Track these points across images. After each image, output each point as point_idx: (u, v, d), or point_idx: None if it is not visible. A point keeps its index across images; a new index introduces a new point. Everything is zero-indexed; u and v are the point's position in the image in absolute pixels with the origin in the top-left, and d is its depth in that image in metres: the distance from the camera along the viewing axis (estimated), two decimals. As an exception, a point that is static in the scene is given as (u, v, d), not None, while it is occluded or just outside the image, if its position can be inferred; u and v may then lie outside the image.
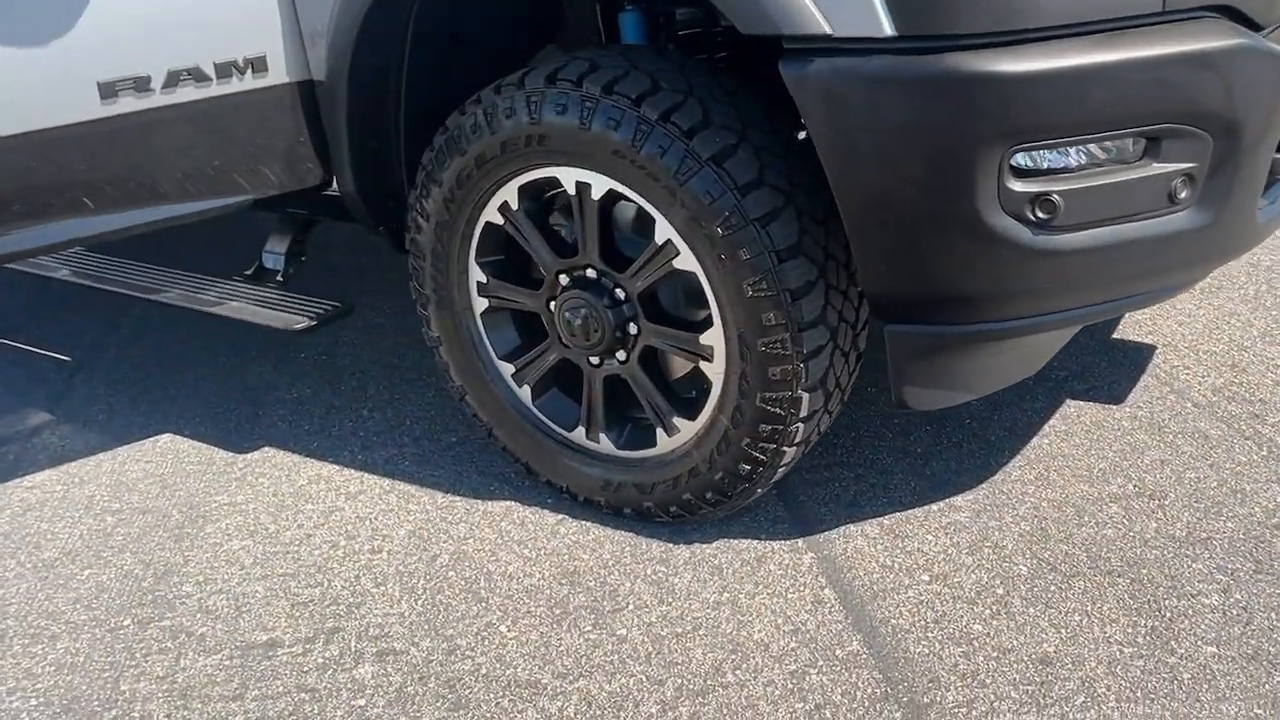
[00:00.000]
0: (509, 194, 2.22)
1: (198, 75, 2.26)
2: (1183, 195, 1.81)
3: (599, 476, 2.35)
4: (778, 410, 2.05)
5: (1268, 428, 2.55)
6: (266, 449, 2.83)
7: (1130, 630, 1.96)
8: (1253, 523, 2.22)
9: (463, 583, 2.24)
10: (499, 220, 2.27)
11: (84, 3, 2.13)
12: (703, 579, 2.19)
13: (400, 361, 3.24)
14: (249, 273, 2.88)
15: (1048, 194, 1.75)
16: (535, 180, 2.18)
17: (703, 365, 2.14)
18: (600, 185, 2.08)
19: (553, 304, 2.28)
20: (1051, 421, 2.64)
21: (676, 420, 2.22)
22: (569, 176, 2.12)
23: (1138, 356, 2.90)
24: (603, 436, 2.34)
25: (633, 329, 2.20)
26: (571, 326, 2.23)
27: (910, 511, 2.35)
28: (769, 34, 1.76)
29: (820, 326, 2.00)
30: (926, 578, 2.14)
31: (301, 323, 2.57)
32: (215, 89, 2.30)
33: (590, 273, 2.21)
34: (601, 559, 2.28)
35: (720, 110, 1.98)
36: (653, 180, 1.98)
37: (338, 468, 2.72)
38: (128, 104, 2.23)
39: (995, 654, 1.93)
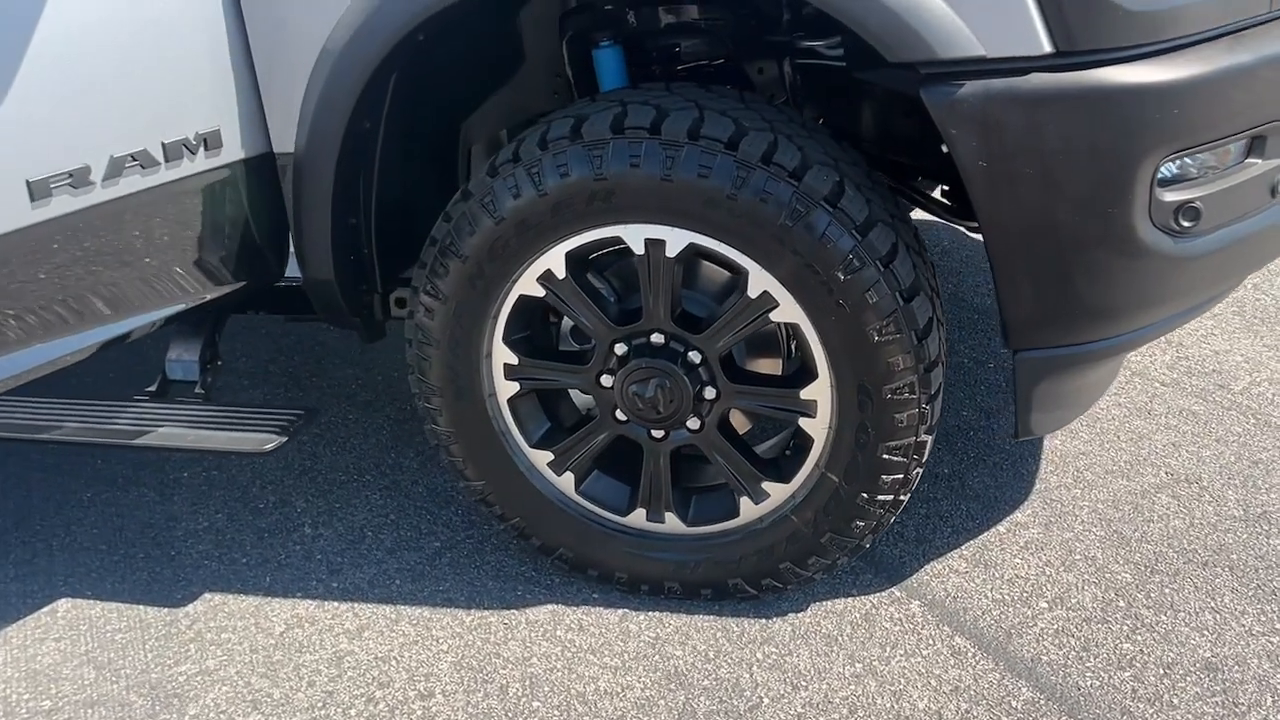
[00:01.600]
0: (553, 261, 1.94)
1: (145, 160, 1.82)
2: (1275, 190, 1.84)
3: (669, 560, 2.11)
4: (901, 459, 1.91)
5: (1238, 395, 2.70)
6: (208, 596, 2.35)
7: (1265, 619, 1.98)
8: (1288, 490, 2.33)
9: (558, 714, 1.94)
10: (537, 292, 1.98)
11: (4, 85, 1.65)
12: (823, 653, 2.01)
13: (314, 464, 2.80)
14: (152, 389, 2.38)
15: (1191, 202, 1.72)
16: (589, 243, 1.92)
17: (802, 422, 1.96)
18: (678, 240, 1.86)
19: (606, 378, 2.02)
20: (1050, 421, 2.66)
21: (766, 485, 2.03)
22: (636, 234, 1.88)
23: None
24: (668, 516, 2.11)
25: (709, 393, 1.99)
26: (639, 400, 1.98)
27: (982, 537, 2.28)
28: (921, 60, 1.62)
29: (940, 365, 1.89)
30: (1044, 604, 2.08)
31: (271, 441, 2.14)
32: (164, 174, 1.87)
33: (657, 338, 1.97)
34: (699, 651, 2.05)
35: (813, 147, 1.82)
36: (755, 228, 1.78)
37: (315, 603, 2.30)
38: (63, 204, 1.76)
39: (1162, 671, 1.89)
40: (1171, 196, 1.71)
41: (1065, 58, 1.61)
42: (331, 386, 3.18)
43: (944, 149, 1.70)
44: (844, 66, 2.16)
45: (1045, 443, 2.57)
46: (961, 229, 2.36)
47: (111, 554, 2.50)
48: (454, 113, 2.26)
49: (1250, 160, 1.79)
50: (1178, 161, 1.70)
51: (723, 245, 1.84)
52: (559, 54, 2.25)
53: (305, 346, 3.46)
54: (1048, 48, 1.60)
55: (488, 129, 2.40)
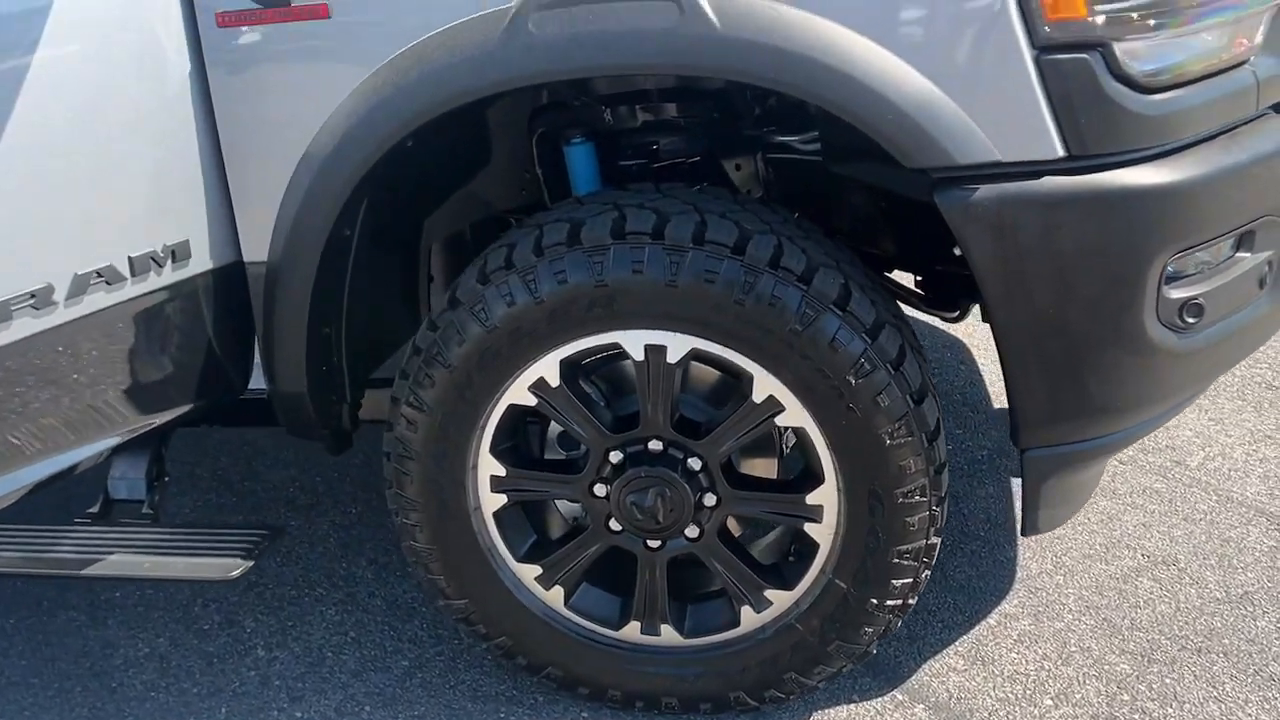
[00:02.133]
0: (546, 369, 1.86)
1: (111, 276, 1.69)
2: (1266, 281, 1.87)
3: (665, 674, 2.02)
4: (912, 562, 1.86)
5: (1195, 471, 2.74)
6: (159, 734, 2.17)
7: (1270, 705, 1.98)
8: (1262, 569, 2.35)
9: None
10: (529, 401, 1.89)
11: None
12: (834, 765, 1.94)
13: (259, 577, 2.63)
14: (94, 511, 2.20)
15: (1195, 298, 1.73)
16: (584, 349, 1.84)
17: (807, 527, 1.91)
18: (680, 346, 1.80)
19: (600, 487, 1.93)
20: (1020, 504, 2.66)
21: (769, 593, 1.96)
22: (636, 340, 1.81)
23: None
24: (665, 628, 2.02)
25: (710, 500, 1.91)
26: (638, 509, 1.90)
27: (974, 632, 2.24)
28: (938, 165, 1.60)
29: (947, 466, 1.86)
30: (1049, 702, 2.05)
31: (236, 566, 1.99)
32: (129, 289, 1.73)
33: (655, 445, 1.90)
34: (705, 771, 1.95)
35: (814, 248, 1.79)
36: (763, 333, 1.73)
37: (279, 735, 2.14)
38: (24, 326, 1.62)
39: (1179, 768, 1.87)
40: (1177, 294, 1.72)
41: (1077, 161, 1.61)
42: (267, 491, 3.01)
43: (955, 251, 1.69)
44: (819, 161, 2.15)
45: (1017, 527, 2.56)
46: (935, 320, 2.36)
47: (45, 688, 2.29)
48: (418, 210, 2.17)
49: (1240, 254, 1.82)
50: (1180, 259, 1.71)
51: (727, 350, 1.78)
52: (528, 150, 2.18)
53: (232, 447, 3.28)
54: (1060, 151, 1.60)
55: (451, 225, 2.31)
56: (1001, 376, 1.76)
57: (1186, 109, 1.65)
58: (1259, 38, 1.77)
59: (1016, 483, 2.73)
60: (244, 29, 1.70)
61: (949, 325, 3.29)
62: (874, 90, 1.56)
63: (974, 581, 2.39)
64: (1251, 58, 1.77)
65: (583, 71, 1.64)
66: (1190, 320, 1.74)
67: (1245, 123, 1.78)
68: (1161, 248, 1.66)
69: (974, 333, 3.54)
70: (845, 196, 2.28)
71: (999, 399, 3.17)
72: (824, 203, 2.30)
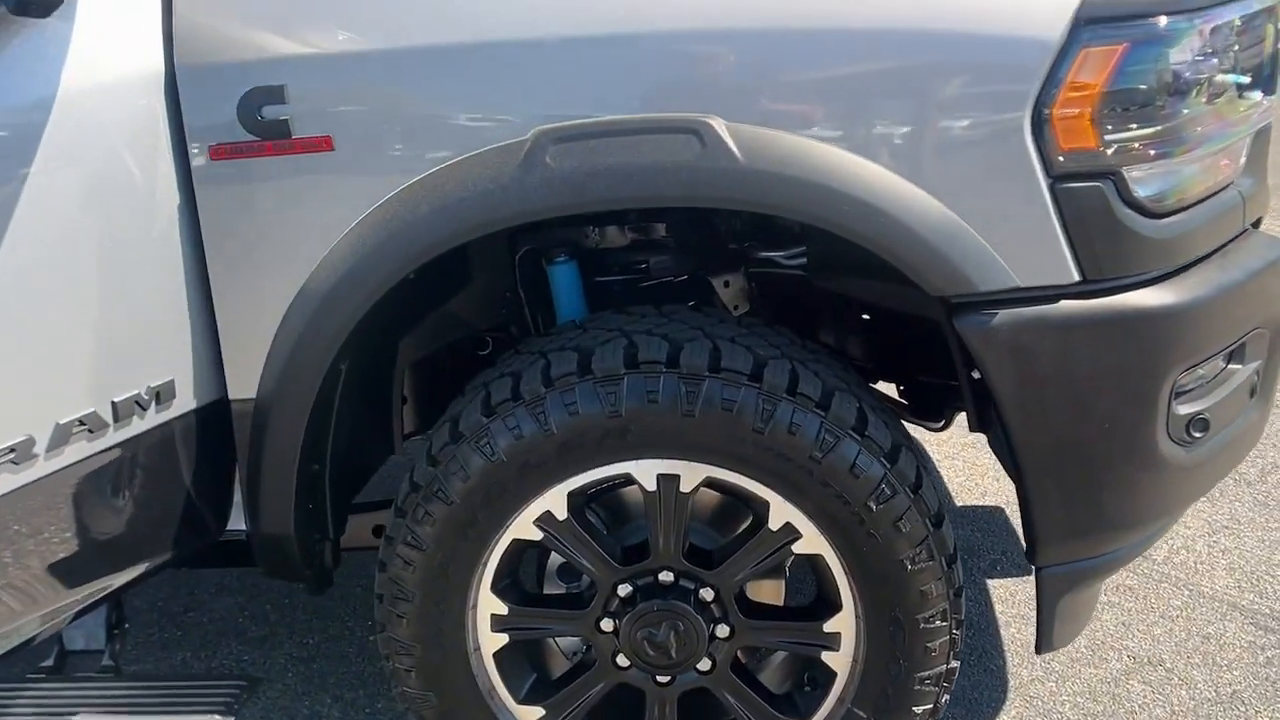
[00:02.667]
0: (553, 502, 1.79)
1: (94, 424, 1.58)
2: (1255, 390, 1.91)
3: (677, 815, 1.93)
4: (933, 688, 1.83)
5: (1163, 565, 2.78)
6: None
7: (1281, 813, 1.98)
8: (1245, 666, 2.38)
9: None
10: (534, 535, 1.82)
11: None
12: None
13: (216, 720, 2.46)
14: (48, 663, 2.04)
15: (1201, 413, 1.76)
16: (593, 481, 1.78)
17: (824, 655, 1.86)
18: (694, 475, 1.75)
19: (607, 622, 1.86)
20: (998, 607, 2.65)
21: (784, 725, 1.90)
22: (649, 470, 1.76)
23: (1001, 520, 3.04)
24: (675, 766, 1.93)
25: (723, 631, 1.86)
26: (649, 644, 1.83)
27: (978, 746, 2.21)
28: (961, 293, 1.61)
29: (964, 589, 1.84)
30: (1065, 819, 2.01)
31: (215, 722, 1.85)
32: (111, 436, 1.62)
33: (666, 576, 1.83)
34: None
35: (826, 371, 1.77)
36: (781, 460, 1.70)
37: None
38: (2, 483, 1.49)
39: None
40: (1184, 409, 1.75)
41: (1091, 284, 1.63)
42: (214, 622, 2.84)
43: (974, 374, 1.69)
44: (803, 275, 2.14)
45: (1003, 631, 2.55)
46: (921, 428, 2.36)
47: None
48: (395, 332, 2.09)
49: (1233, 366, 1.86)
50: (1186, 376, 1.74)
51: (743, 478, 1.74)
52: (510, 270, 2.13)
53: (170, 574, 3.09)
54: (1076, 276, 1.62)
55: (426, 346, 2.23)
56: (1001, 490, 1.75)
57: (1189, 231, 1.69)
58: (1242, 159, 1.83)
59: (995, 583, 2.73)
60: (240, 161, 1.62)
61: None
62: (900, 221, 1.56)
63: (969, 693, 2.36)
64: (1235, 178, 1.83)
65: (602, 205, 1.60)
66: (1197, 435, 1.77)
67: (1233, 239, 1.83)
68: (1173, 365, 1.68)
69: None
70: (826, 309, 2.28)
71: (960, 495, 3.18)
72: (805, 316, 2.30)
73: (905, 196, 1.57)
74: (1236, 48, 1.69)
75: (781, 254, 2.21)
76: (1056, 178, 1.58)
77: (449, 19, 1.58)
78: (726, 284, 2.19)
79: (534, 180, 1.57)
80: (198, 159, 1.63)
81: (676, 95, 1.57)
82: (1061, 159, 1.57)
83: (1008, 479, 2.42)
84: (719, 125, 1.55)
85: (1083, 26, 1.54)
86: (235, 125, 1.61)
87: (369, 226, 1.63)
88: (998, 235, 1.59)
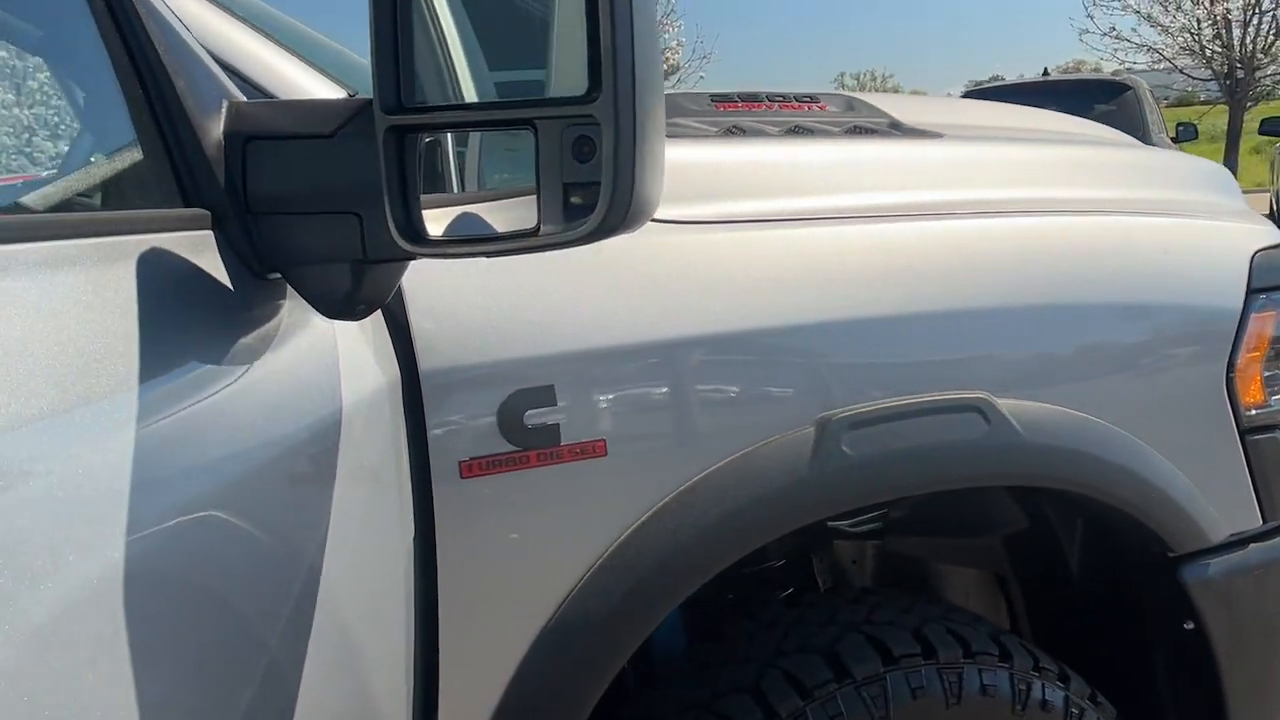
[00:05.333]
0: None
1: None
2: None
3: None
4: None
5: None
6: None
7: None
8: None
9: None
10: None
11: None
12: None
13: None
14: None
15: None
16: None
17: None
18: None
19: None
20: None
21: None
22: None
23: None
24: None
25: None
26: None
27: None
28: (1200, 548, 1.68)
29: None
30: None
31: None
32: None
33: None
34: None
35: (1012, 640, 1.75)
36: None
37: None
38: None
39: None
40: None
41: (1266, 527, 1.76)
42: None
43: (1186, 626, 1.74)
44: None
45: None
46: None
47: None
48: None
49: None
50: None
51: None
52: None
53: None
54: (1259, 521, 1.75)
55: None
56: None
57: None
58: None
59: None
60: (496, 478, 1.35)
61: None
62: (1155, 485, 1.62)
63: None
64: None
65: (899, 491, 1.51)
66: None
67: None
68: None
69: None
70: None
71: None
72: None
73: (1152, 461, 1.63)
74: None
75: (847, 523, 2.17)
76: (1244, 432, 1.72)
77: (716, 307, 1.46)
78: (854, 561, 2.11)
79: (833, 470, 1.45)
80: (444, 477, 1.34)
81: (947, 373, 1.54)
82: (1249, 414, 1.71)
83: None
84: (996, 402, 1.53)
85: (1251, 295, 1.72)
86: (494, 435, 1.35)
87: (648, 540, 1.41)
88: (1212, 490, 1.69)
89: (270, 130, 1.11)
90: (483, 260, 1.28)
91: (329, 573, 1.16)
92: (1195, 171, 2.12)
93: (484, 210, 1.13)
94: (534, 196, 0.98)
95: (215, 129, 1.10)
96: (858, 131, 1.86)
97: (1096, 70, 25.31)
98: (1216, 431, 1.69)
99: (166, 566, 0.87)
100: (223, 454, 0.97)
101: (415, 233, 1.02)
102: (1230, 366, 1.70)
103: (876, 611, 1.69)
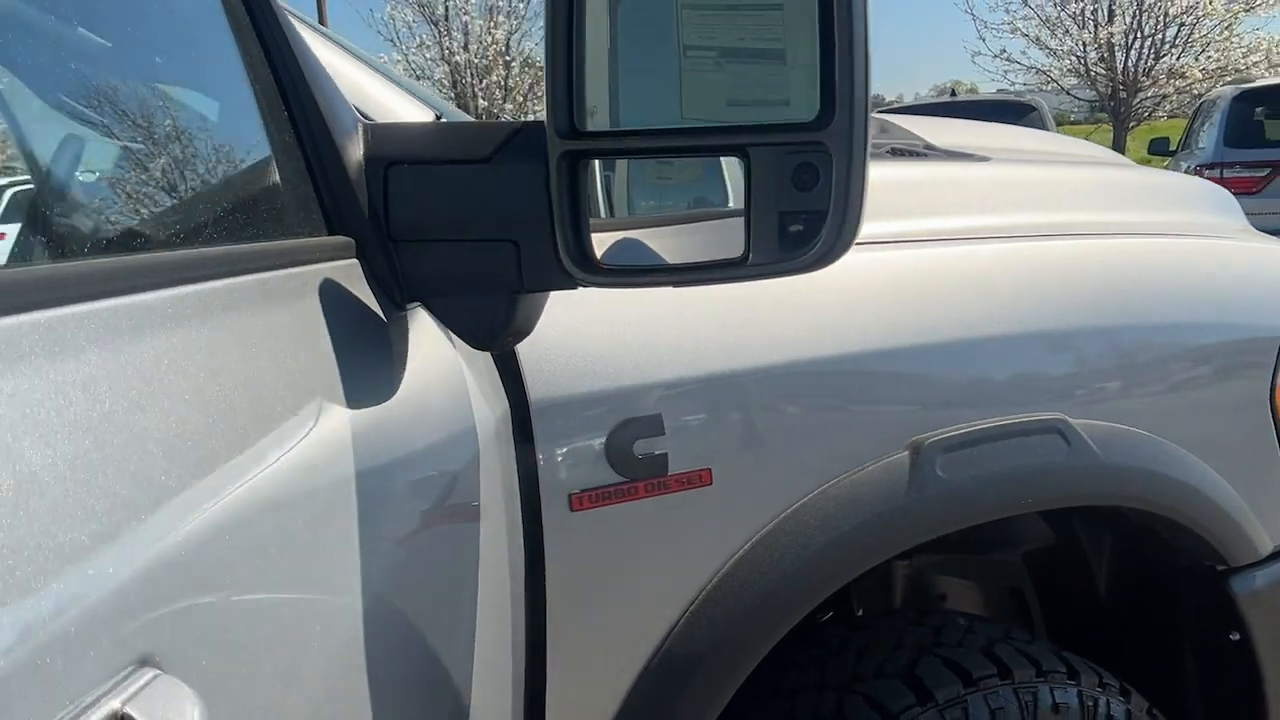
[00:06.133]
0: None
1: None
2: None
3: None
4: None
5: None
6: None
7: None
8: None
9: None
10: None
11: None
12: None
13: None
14: None
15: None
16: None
17: None
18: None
19: None
20: None
21: None
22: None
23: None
24: None
25: None
26: None
27: None
28: (1253, 561, 1.72)
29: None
30: None
31: None
32: None
33: None
34: None
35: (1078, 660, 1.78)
36: (1101, 753, 1.67)
37: None
38: None
39: None
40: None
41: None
42: None
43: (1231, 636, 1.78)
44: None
45: None
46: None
47: None
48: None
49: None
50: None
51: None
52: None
53: None
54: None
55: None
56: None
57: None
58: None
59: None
60: (603, 510, 1.31)
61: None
62: (1215, 502, 1.66)
63: None
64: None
65: (989, 515, 1.51)
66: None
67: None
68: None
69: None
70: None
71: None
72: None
73: (1209, 477, 1.66)
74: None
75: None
76: (1281, 446, 1.77)
77: (818, 331, 1.45)
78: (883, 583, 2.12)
79: (931, 495, 1.45)
80: (554, 510, 1.30)
81: (1025, 396, 1.56)
82: (1279, 427, 1.77)
83: None
84: (1073, 423, 1.55)
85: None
86: (602, 466, 1.31)
87: (752, 570, 1.39)
88: (1259, 505, 1.74)
89: (414, 155, 1.06)
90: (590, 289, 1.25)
91: (452, 604, 1.11)
92: (1203, 193, 2.19)
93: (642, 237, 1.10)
94: (680, 225, 0.96)
95: (356, 153, 1.05)
96: (897, 154, 1.88)
97: (973, 91, 26.09)
98: (1264, 447, 1.74)
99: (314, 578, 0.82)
100: (379, 492, 0.92)
101: (587, 261, 0.98)
102: (1273, 388, 1.75)
103: (943, 633, 1.69)
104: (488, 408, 1.23)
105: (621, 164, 1.25)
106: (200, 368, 0.73)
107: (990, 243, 1.61)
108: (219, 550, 0.66)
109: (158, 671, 0.55)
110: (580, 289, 1.04)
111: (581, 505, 1.31)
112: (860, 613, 2.08)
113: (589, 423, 1.31)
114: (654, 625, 1.38)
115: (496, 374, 1.28)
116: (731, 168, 1.12)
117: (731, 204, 1.13)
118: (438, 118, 1.39)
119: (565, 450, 1.30)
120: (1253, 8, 20.97)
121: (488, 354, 1.27)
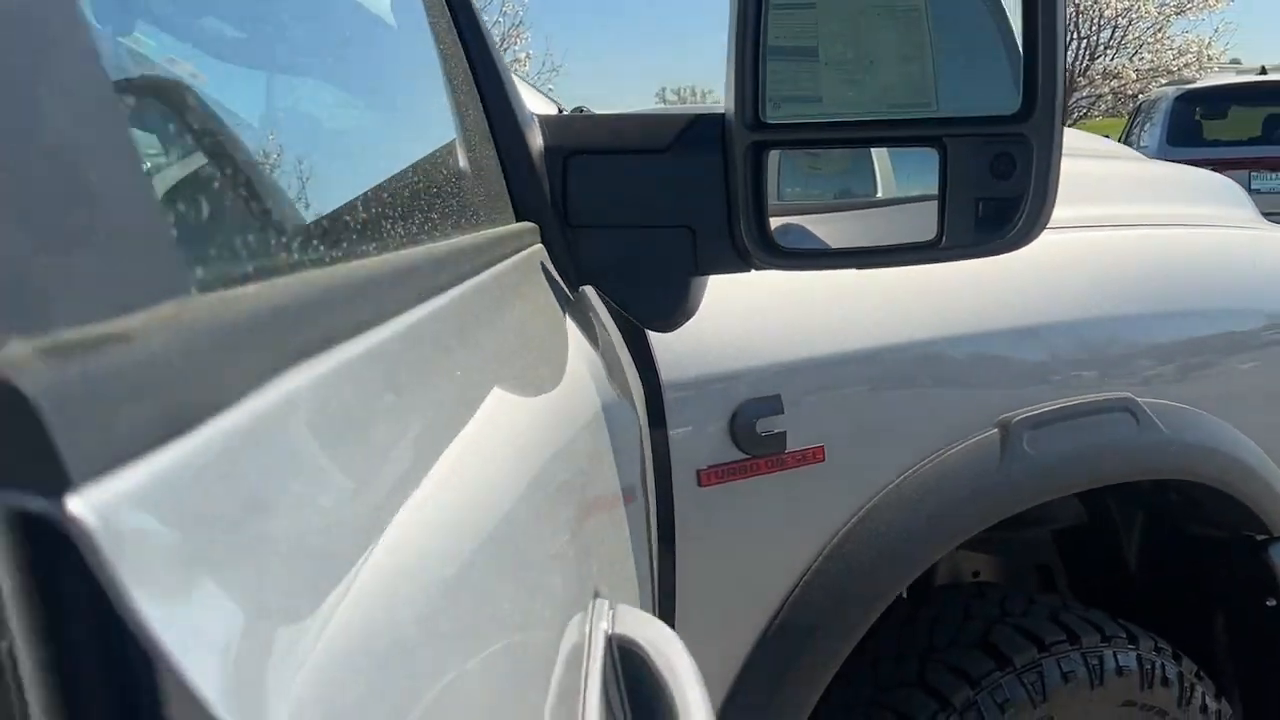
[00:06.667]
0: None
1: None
2: None
3: None
4: None
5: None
6: None
7: None
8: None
9: None
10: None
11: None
12: None
13: None
14: None
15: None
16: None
17: None
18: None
19: None
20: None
21: None
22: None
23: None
24: None
25: None
26: None
27: None
28: None
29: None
30: None
31: None
32: None
33: None
34: None
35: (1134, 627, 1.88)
36: (1156, 714, 1.78)
37: None
38: None
39: None
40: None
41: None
42: None
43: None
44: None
45: None
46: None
47: None
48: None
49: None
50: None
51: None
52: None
53: None
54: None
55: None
56: None
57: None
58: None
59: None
60: (728, 486, 1.38)
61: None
62: (1263, 478, 1.77)
63: None
64: None
65: (1068, 489, 1.61)
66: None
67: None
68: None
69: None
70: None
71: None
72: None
73: (1258, 453, 1.77)
74: None
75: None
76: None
77: (923, 312, 1.53)
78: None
79: (1019, 471, 1.54)
80: (683, 486, 1.36)
81: (1096, 375, 1.65)
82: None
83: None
84: (1140, 401, 1.65)
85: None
86: (727, 444, 1.38)
87: (860, 544, 1.46)
88: (1293, 478, 1.86)
89: (595, 145, 1.11)
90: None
91: (623, 578, 1.17)
92: (1226, 186, 2.31)
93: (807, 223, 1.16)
94: (843, 212, 1.02)
95: (537, 143, 1.10)
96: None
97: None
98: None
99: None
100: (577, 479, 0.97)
101: (769, 245, 1.05)
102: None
103: (1008, 603, 1.78)
104: (638, 387, 1.29)
105: (773, 154, 1.32)
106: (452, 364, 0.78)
107: (1071, 231, 1.71)
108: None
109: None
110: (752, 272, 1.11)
111: (709, 481, 1.37)
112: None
113: (716, 402, 1.38)
114: (770, 596, 1.44)
115: (631, 355, 1.34)
116: (882, 159, 1.19)
117: (880, 194, 1.21)
118: (559, 110, 1.44)
119: (693, 428, 1.37)
120: (1183, 11, 21.58)
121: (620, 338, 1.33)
